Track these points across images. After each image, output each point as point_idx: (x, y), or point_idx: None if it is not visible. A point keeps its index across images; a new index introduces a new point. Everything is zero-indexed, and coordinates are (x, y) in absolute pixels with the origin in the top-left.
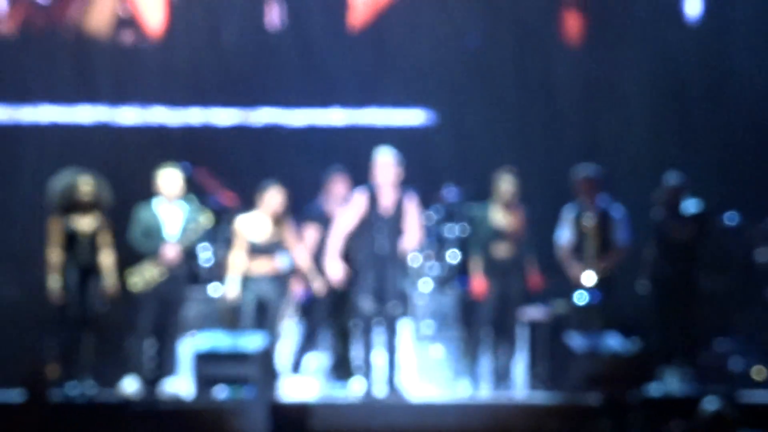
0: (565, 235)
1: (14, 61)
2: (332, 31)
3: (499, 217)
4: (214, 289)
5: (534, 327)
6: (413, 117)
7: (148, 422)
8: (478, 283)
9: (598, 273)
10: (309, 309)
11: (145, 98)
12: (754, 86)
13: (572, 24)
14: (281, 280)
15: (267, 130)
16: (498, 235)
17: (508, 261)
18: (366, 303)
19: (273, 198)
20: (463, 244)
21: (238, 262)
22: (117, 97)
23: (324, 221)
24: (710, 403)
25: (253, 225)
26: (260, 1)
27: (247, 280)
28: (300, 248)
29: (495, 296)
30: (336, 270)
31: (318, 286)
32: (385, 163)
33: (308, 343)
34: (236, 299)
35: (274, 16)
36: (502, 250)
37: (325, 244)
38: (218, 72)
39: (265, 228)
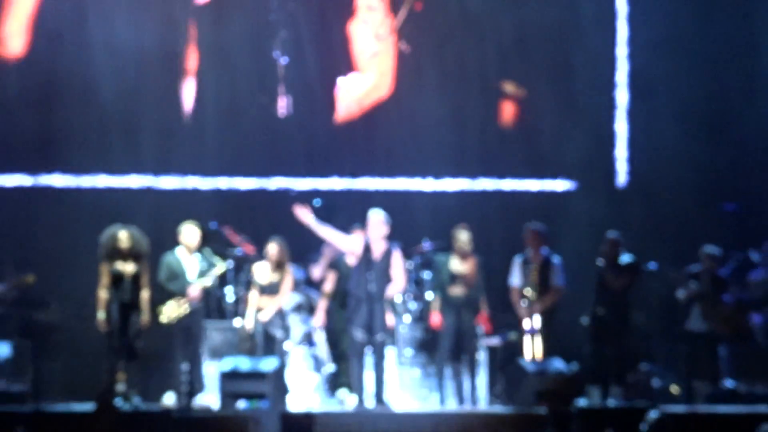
0: (515, 279)
1: (75, 139)
2: (327, 117)
3: (456, 263)
4: (236, 321)
5: (492, 352)
6: (399, 183)
7: (183, 428)
8: (435, 318)
9: (539, 311)
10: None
11: (181, 169)
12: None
13: (508, 111)
14: (282, 314)
15: (279, 193)
16: (454, 278)
17: (461, 299)
18: (359, 334)
19: (271, 250)
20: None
21: (252, 300)
22: (159, 167)
23: (335, 265)
24: (654, 413)
25: (260, 271)
26: (273, 95)
27: (257, 314)
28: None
29: (451, 328)
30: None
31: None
32: (376, 221)
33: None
34: (252, 329)
35: (282, 107)
36: (456, 291)
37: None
38: (240, 148)
39: (267, 273)
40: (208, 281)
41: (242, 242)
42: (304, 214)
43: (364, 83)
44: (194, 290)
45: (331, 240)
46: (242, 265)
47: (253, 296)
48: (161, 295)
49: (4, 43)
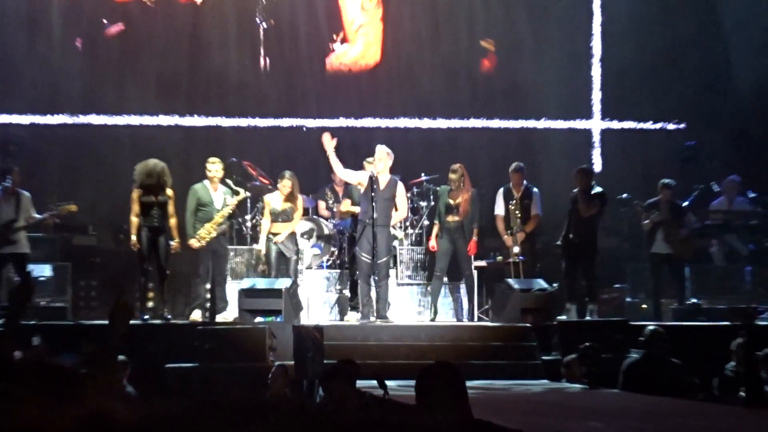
0: (499, 208)
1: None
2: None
3: (450, 196)
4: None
5: (480, 273)
6: (398, 123)
7: (207, 338)
8: (432, 242)
9: (521, 238)
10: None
11: (208, 111)
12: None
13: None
14: (293, 237)
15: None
16: (449, 208)
17: (454, 226)
18: (364, 257)
19: (285, 183)
20: (430, 214)
21: (265, 226)
22: (187, 109)
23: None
24: (651, 326)
25: (273, 200)
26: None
27: (270, 238)
28: (300, 217)
29: (446, 250)
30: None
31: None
32: (382, 154)
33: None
34: (264, 251)
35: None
36: (450, 219)
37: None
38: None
39: (280, 202)
40: (232, 208)
41: (260, 175)
42: (327, 142)
43: (352, 53)
44: (221, 217)
45: (341, 173)
46: (259, 196)
47: (265, 223)
48: (190, 222)
49: None
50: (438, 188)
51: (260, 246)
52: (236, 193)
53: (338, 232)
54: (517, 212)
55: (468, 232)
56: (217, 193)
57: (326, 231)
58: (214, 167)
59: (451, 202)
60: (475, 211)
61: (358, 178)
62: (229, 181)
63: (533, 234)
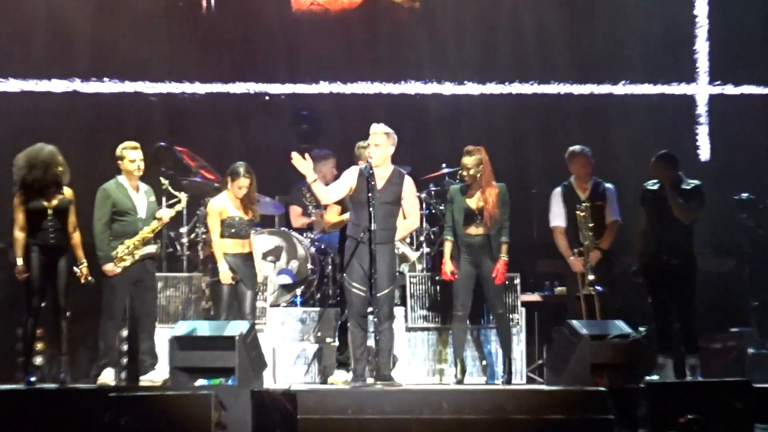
0: (557, 217)
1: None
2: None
3: (469, 197)
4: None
5: (531, 311)
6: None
7: (124, 410)
8: (447, 267)
9: (596, 259)
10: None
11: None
12: None
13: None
14: (251, 258)
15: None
16: (469, 215)
17: (478, 242)
18: (358, 289)
19: (241, 182)
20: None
21: (218, 244)
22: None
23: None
24: None
25: (230, 207)
26: None
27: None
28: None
29: (467, 279)
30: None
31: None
32: (379, 138)
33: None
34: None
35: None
36: (471, 231)
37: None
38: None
39: (240, 210)
40: (170, 218)
41: (201, 167)
42: (301, 164)
43: None
44: (150, 231)
45: (328, 199)
46: (202, 199)
47: (217, 240)
48: (103, 238)
49: None
50: (449, 186)
51: (225, 275)
52: (174, 199)
53: (319, 252)
54: (589, 222)
55: (496, 248)
56: (139, 194)
57: (301, 250)
58: (137, 155)
59: (471, 205)
60: (504, 217)
61: (346, 184)
62: (164, 181)
63: (609, 252)
